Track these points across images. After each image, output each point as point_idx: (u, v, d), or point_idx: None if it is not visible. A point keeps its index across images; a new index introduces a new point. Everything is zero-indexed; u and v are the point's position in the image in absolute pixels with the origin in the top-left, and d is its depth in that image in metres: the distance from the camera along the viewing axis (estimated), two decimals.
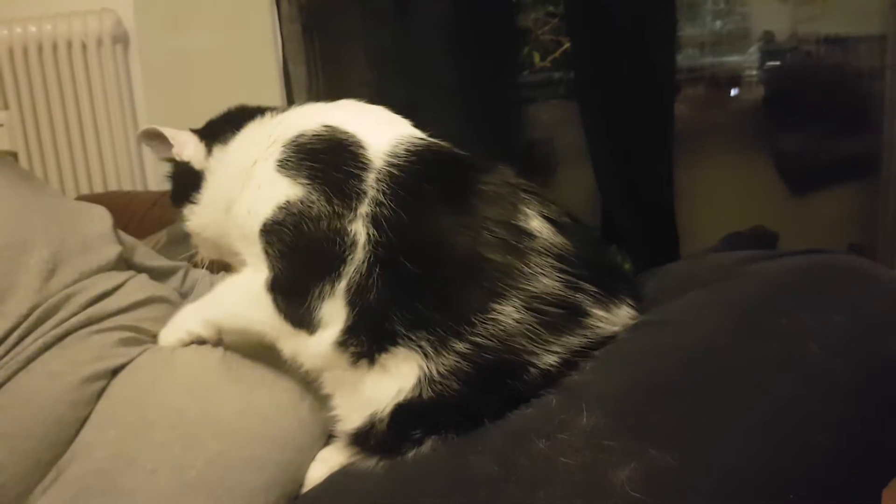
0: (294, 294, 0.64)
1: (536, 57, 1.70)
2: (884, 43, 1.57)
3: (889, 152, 1.57)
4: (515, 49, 1.67)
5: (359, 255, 0.61)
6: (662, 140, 1.53)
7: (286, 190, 0.64)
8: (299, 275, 0.64)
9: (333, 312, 0.63)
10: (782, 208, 1.67)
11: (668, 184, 1.56)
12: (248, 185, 0.68)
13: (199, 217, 0.75)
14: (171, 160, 0.77)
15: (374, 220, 0.61)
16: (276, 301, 0.65)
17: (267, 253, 0.65)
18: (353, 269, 0.61)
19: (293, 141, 0.66)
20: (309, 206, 0.63)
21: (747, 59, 1.67)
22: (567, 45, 1.64)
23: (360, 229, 0.62)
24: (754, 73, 1.67)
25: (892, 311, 0.57)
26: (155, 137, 0.77)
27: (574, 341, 0.59)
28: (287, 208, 0.63)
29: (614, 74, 1.49)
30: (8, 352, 0.64)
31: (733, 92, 1.72)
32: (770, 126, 1.69)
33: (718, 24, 1.69)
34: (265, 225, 0.64)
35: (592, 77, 1.53)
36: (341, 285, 0.62)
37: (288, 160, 0.65)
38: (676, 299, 0.64)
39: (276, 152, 0.66)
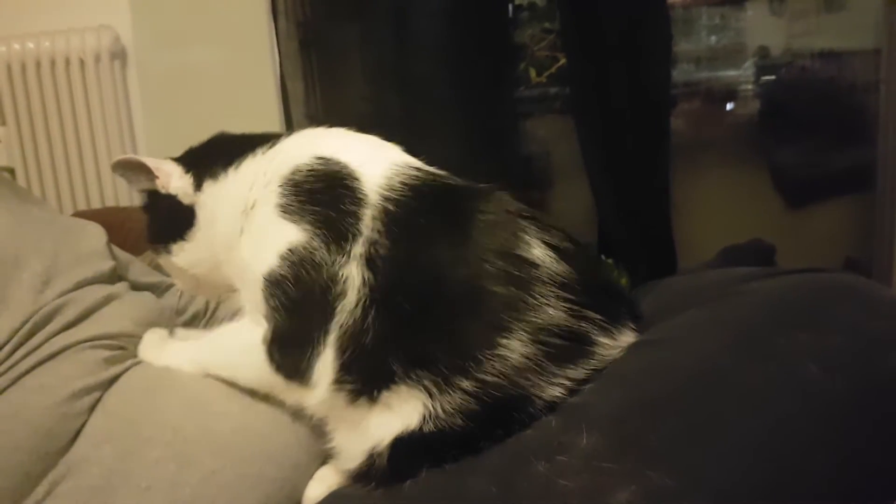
0: (293, 347, 0.63)
1: (532, 72, 1.71)
2: (877, 57, 1.58)
3: (884, 165, 1.57)
4: (512, 65, 1.68)
5: (351, 299, 0.60)
6: (659, 154, 1.53)
7: (289, 236, 0.63)
8: (299, 326, 0.63)
9: (329, 357, 0.62)
10: (779, 221, 1.67)
11: (664, 197, 1.56)
12: (248, 230, 0.67)
13: (189, 255, 0.72)
14: (150, 191, 0.73)
15: (369, 262, 0.60)
16: (273, 357, 0.64)
17: (268, 303, 0.63)
18: (346, 314, 0.60)
19: (289, 180, 0.65)
20: (311, 253, 0.61)
21: (743, 74, 1.68)
22: (563, 60, 1.65)
23: (353, 272, 0.60)
24: (749, 87, 1.69)
25: (890, 331, 0.57)
26: (133, 168, 0.73)
27: (580, 373, 0.58)
28: (289, 258, 0.62)
29: (610, 89, 1.50)
30: None
31: (729, 106, 1.73)
32: (766, 140, 1.70)
33: (714, 39, 1.70)
34: (268, 275, 0.63)
35: (588, 92, 1.54)
36: (334, 332, 0.61)
37: (290, 204, 0.63)
38: (674, 317, 0.64)
39: (275, 194, 0.65)
